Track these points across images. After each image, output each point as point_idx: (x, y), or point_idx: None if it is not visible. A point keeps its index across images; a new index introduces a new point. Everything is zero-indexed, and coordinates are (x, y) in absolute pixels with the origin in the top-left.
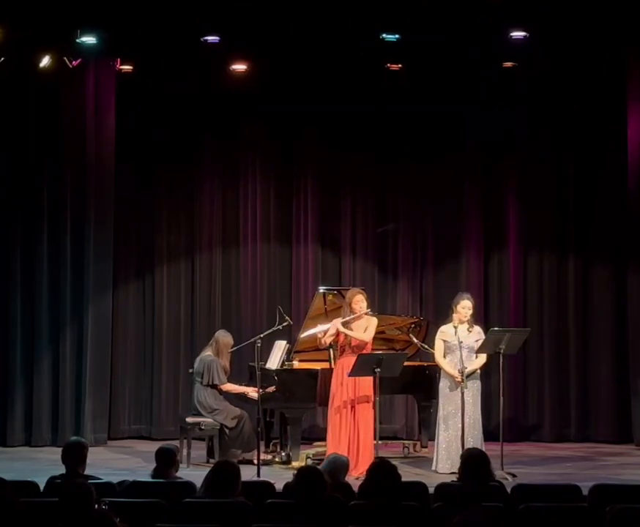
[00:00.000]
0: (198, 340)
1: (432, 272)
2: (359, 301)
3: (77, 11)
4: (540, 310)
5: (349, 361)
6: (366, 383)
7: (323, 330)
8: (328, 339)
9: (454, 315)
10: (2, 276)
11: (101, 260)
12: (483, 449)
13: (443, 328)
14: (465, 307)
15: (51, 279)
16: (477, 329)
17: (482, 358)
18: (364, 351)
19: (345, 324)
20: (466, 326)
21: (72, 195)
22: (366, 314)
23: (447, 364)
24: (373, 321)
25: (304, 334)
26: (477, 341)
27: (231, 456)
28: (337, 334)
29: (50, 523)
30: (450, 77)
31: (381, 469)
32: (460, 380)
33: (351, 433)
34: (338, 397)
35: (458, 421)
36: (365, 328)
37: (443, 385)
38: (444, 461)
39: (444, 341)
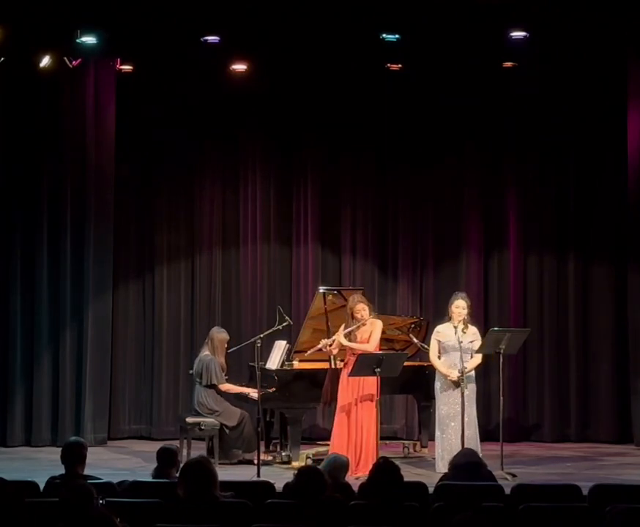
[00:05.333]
0: (198, 340)
1: (432, 272)
2: (361, 310)
3: (77, 11)
4: (540, 310)
5: None
6: (370, 382)
7: (327, 343)
8: (335, 351)
9: (450, 314)
10: (2, 276)
11: (101, 260)
12: (479, 449)
13: (439, 328)
14: (459, 306)
15: (51, 280)
16: (473, 329)
17: (478, 358)
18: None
19: (347, 335)
20: (461, 326)
21: (72, 194)
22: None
23: (441, 364)
24: (378, 324)
25: (309, 353)
26: (471, 342)
27: (232, 456)
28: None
29: (50, 523)
30: (450, 77)
31: (385, 469)
32: (454, 379)
33: (353, 434)
34: (342, 398)
35: (452, 422)
36: (369, 332)
37: (437, 386)
38: (440, 461)
39: (439, 341)
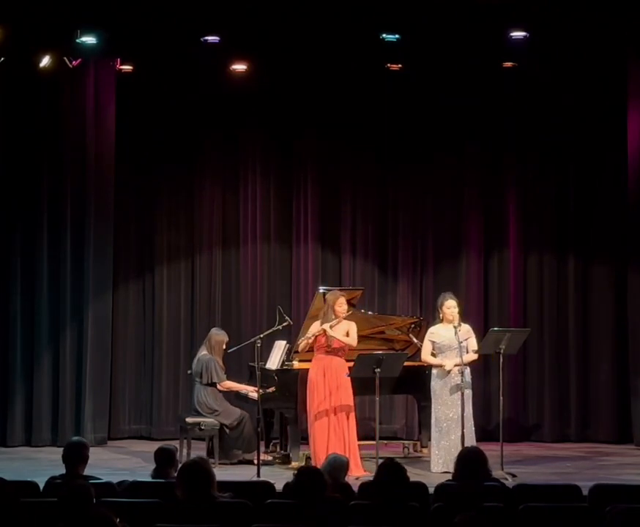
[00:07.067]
0: (198, 340)
1: (432, 272)
2: (342, 304)
3: (77, 11)
4: (540, 310)
5: (329, 361)
6: (347, 394)
7: (314, 334)
8: (312, 341)
9: (441, 315)
10: (2, 276)
11: (101, 260)
12: None
13: (432, 329)
14: (450, 306)
15: (51, 279)
16: (466, 327)
17: (472, 355)
18: (340, 353)
19: (331, 328)
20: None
21: (72, 194)
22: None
23: (435, 359)
24: (353, 325)
25: (301, 345)
26: (466, 339)
27: (232, 456)
28: (322, 334)
29: (50, 523)
30: (450, 77)
31: (390, 469)
32: (449, 368)
33: (338, 437)
34: (318, 406)
35: (451, 433)
36: (345, 331)
37: (433, 387)
38: (436, 461)
39: (434, 342)
